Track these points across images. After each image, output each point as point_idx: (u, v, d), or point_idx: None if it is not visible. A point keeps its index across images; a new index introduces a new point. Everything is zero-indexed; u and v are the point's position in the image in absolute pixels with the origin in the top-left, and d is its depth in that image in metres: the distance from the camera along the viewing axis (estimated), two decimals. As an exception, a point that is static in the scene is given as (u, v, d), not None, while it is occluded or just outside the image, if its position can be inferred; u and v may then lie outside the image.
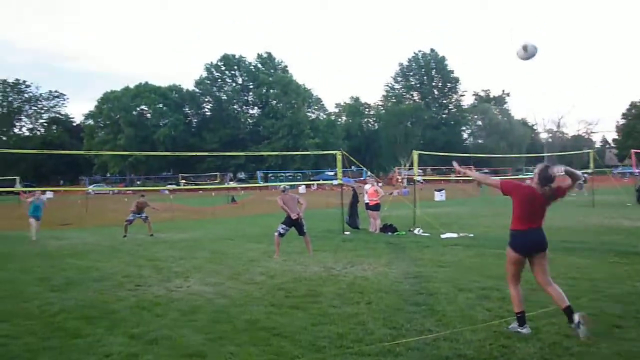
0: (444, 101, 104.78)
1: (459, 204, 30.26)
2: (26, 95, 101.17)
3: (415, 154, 17.95)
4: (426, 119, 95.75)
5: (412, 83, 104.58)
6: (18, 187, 37.49)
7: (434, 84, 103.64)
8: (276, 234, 11.35)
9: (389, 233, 15.53)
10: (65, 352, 4.97)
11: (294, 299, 7.03)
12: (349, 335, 5.30)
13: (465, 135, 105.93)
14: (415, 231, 15.44)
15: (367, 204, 16.63)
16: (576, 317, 5.02)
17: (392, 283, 8.01)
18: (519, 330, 5.30)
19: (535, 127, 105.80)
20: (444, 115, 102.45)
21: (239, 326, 5.71)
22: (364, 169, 22.81)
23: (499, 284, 7.51)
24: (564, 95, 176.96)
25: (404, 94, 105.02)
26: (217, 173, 74.10)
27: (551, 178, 5.36)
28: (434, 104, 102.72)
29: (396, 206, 21.44)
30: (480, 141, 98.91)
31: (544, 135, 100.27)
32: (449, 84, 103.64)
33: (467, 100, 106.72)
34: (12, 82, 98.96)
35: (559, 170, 5.53)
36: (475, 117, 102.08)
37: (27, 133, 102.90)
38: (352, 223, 16.89)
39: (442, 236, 14.18)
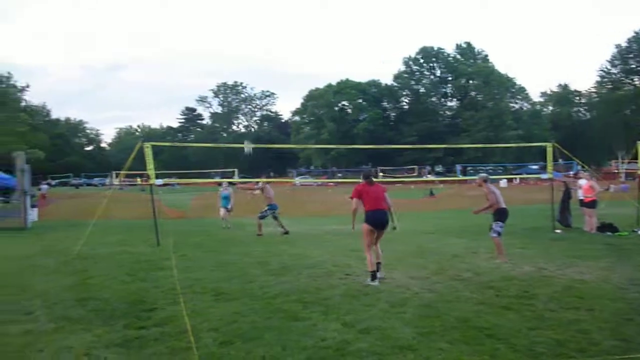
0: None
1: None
2: (242, 96, 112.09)
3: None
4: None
5: (632, 66, 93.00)
6: (236, 179, 41.48)
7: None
8: (495, 235, 9.81)
9: (608, 233, 14.07)
10: (285, 333, 5.35)
11: (504, 299, 6.71)
12: (569, 344, 4.90)
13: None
14: (640, 232, 13.78)
15: (581, 200, 15.28)
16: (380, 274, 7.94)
17: (616, 289, 7.23)
18: (370, 283, 7.66)
19: None
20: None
21: (449, 323, 5.61)
22: (576, 161, 20.93)
23: None
24: None
25: (622, 78, 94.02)
26: (415, 166, 74.06)
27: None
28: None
29: (615, 204, 19.36)
30: None
31: None
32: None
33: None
34: (231, 84, 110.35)
35: None
36: None
37: (243, 130, 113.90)
38: (563, 221, 15.63)
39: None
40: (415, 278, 8.18)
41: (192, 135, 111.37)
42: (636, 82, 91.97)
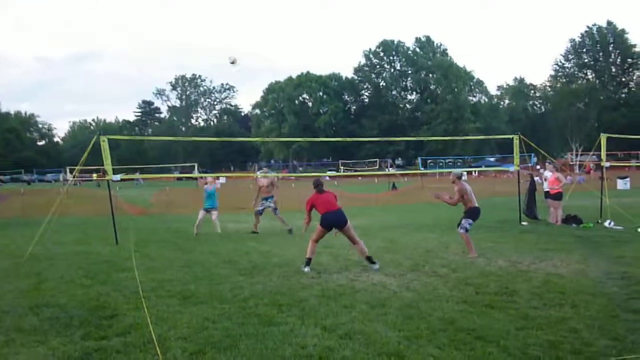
0: (624, 79, 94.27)
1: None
2: (201, 89, 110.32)
3: (603, 138, 16.12)
4: (602, 100, 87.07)
5: (586, 60, 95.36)
6: (196, 174, 40.67)
7: (611, 60, 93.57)
8: (462, 230, 9.60)
9: (573, 225, 14.15)
10: (262, 340, 4.95)
11: (486, 296, 6.48)
12: (562, 345, 4.68)
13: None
14: (606, 224, 13.87)
15: (546, 192, 15.32)
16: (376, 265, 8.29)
17: (594, 284, 7.11)
18: (303, 269, 8.29)
19: None
20: (623, 95, 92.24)
21: (434, 325, 5.31)
22: (539, 153, 21.14)
23: None
24: None
25: (575, 72, 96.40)
26: (377, 159, 74.33)
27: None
28: (611, 83, 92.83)
29: (577, 195, 19.62)
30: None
31: None
32: (629, 60, 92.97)
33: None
34: (190, 77, 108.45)
35: None
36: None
37: (202, 124, 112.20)
38: (530, 213, 15.67)
39: (639, 230, 12.56)
40: (391, 275, 7.89)
41: (150, 129, 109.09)
42: (589, 77, 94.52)
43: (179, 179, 59.34)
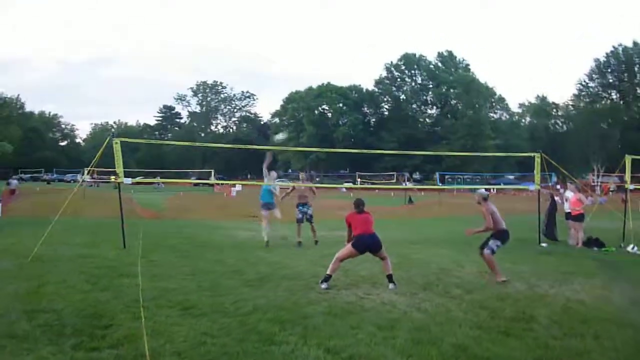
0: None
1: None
2: (222, 96, 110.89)
3: (628, 159, 15.63)
4: (626, 121, 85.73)
5: (610, 80, 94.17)
6: (213, 180, 40.60)
7: (636, 81, 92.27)
8: (489, 252, 8.96)
9: (595, 248, 13.68)
10: (261, 360, 4.66)
11: (501, 322, 6.12)
12: (583, 381, 4.32)
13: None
14: (629, 248, 13.36)
15: (568, 213, 14.88)
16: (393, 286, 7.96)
17: (618, 312, 6.71)
18: (320, 284, 7.96)
19: None
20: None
21: (446, 351, 4.97)
22: (561, 173, 20.63)
23: None
24: None
25: (599, 92, 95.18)
26: (394, 173, 73.78)
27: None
28: (635, 104, 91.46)
29: (598, 217, 19.04)
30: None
31: None
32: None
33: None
34: (211, 84, 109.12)
35: None
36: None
37: (221, 130, 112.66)
38: (549, 234, 15.20)
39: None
40: (402, 294, 7.54)
41: (170, 134, 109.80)
42: (613, 97, 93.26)
43: (196, 184, 59.42)
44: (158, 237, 14.62)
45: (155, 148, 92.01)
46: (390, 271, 8.21)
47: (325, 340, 5.24)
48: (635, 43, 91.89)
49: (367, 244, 8.25)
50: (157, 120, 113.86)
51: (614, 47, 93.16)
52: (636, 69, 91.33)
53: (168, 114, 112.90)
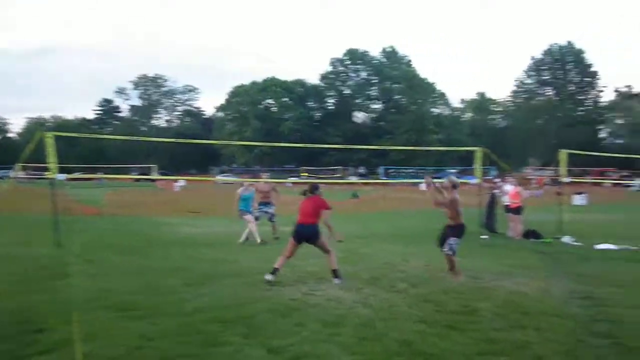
0: (581, 97, 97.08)
1: (606, 210, 27.18)
2: (164, 89, 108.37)
3: (563, 153, 16.19)
4: (560, 117, 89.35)
5: (546, 78, 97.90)
6: (156, 175, 39.67)
7: (569, 78, 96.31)
8: (450, 252, 8.57)
9: (532, 240, 14.09)
10: (201, 363, 4.48)
11: (446, 315, 6.15)
12: (527, 373, 4.36)
13: (603, 134, 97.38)
14: (564, 239, 13.83)
15: (507, 206, 15.27)
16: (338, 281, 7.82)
17: (558, 304, 6.86)
18: (265, 276, 7.77)
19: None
20: (580, 113, 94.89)
21: (391, 347, 4.93)
22: (500, 167, 21.17)
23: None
24: None
25: (536, 89, 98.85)
26: (339, 167, 74.15)
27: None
28: (569, 101, 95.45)
29: (535, 209, 19.68)
30: (620, 141, 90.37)
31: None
32: (586, 79, 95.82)
33: (607, 97, 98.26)
34: (152, 77, 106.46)
35: None
36: (616, 115, 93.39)
37: (163, 124, 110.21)
38: (489, 226, 15.57)
39: (597, 247, 12.52)
40: (348, 290, 7.48)
41: (110, 128, 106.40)
42: (549, 93, 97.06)
43: (138, 180, 57.91)
44: (97, 234, 14.09)
45: (94, 142, 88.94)
46: (335, 266, 8.13)
47: (269, 340, 5.11)
48: (569, 42, 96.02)
49: (300, 233, 8.15)
50: (97, 114, 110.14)
51: (549, 45, 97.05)
52: (569, 67, 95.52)
53: (107, 107, 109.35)
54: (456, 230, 8.68)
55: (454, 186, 8.90)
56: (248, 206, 13.26)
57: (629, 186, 45.02)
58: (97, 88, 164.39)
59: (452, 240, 8.58)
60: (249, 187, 13.75)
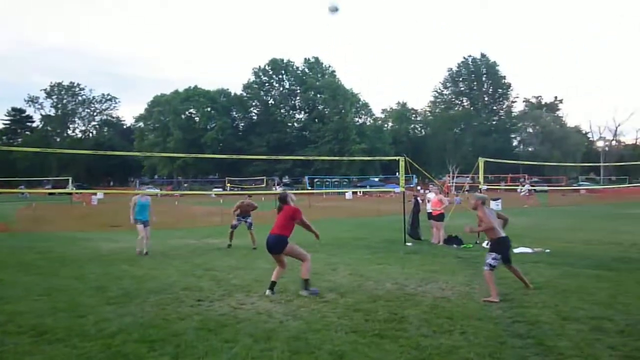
0: (495, 107, 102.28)
1: (518, 214, 28.49)
2: (80, 98, 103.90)
3: (481, 161, 16.88)
4: (476, 126, 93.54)
5: (462, 89, 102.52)
6: (71, 188, 37.91)
7: (484, 89, 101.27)
8: (488, 268, 7.83)
9: (454, 245, 14.58)
10: (127, 387, 4.26)
11: (375, 324, 6.19)
12: (455, 378, 4.44)
13: (515, 143, 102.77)
14: (484, 244, 14.36)
15: (429, 213, 15.70)
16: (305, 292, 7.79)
17: (480, 307, 7.09)
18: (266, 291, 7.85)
19: (590, 136, 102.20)
20: (494, 122, 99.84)
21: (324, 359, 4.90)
22: (423, 175, 21.83)
23: (609, 313, 6.54)
24: (622, 103, 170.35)
25: (453, 99, 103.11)
26: (264, 177, 73.87)
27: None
28: (484, 110, 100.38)
29: (456, 216, 20.33)
30: (530, 149, 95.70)
31: (600, 144, 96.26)
32: (500, 90, 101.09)
33: (518, 107, 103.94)
34: (67, 85, 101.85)
35: None
36: (526, 124, 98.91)
37: (79, 135, 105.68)
38: (413, 234, 15.94)
39: (515, 251, 13.06)
40: (276, 302, 7.40)
41: (20, 139, 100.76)
42: (465, 104, 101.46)
43: (51, 193, 55.15)
44: (6, 253, 13.23)
45: (3, 155, 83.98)
46: (307, 276, 8.00)
47: (199, 359, 4.94)
48: (482, 54, 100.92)
49: (266, 244, 8.19)
50: (5, 124, 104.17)
51: (464, 57, 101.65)
52: (484, 78, 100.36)
53: (18, 117, 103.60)
54: (495, 245, 8.10)
55: (482, 202, 8.49)
56: (144, 215, 13.16)
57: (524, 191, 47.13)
58: (6, 97, 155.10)
59: (489, 256, 7.98)
60: (144, 195, 13.81)
